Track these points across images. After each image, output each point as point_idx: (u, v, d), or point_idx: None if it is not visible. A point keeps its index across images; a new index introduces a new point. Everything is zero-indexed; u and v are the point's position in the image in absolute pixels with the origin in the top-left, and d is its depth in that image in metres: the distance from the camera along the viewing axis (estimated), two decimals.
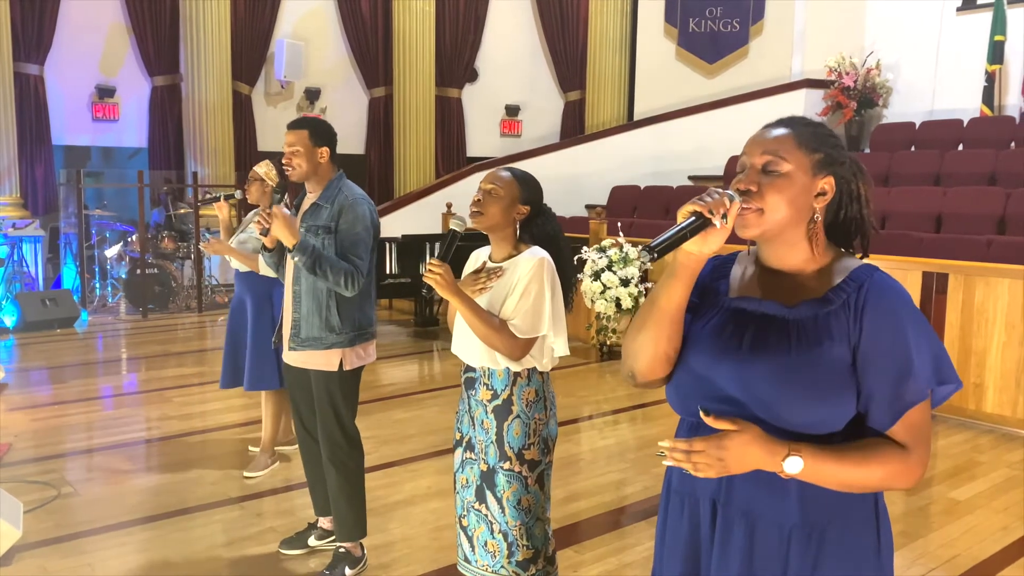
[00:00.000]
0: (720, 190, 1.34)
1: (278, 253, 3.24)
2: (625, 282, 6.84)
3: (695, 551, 1.48)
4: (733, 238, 1.39)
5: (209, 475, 4.28)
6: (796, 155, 1.40)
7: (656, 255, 1.29)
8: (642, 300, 6.95)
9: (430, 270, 2.31)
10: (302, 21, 11.33)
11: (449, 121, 12.10)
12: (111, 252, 9.65)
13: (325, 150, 3.11)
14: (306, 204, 3.17)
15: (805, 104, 10.17)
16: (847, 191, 1.46)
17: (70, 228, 9.98)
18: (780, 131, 1.43)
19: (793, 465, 1.29)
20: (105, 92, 10.35)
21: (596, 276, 6.88)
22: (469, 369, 2.49)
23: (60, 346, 7.51)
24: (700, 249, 1.34)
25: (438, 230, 9.05)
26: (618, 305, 6.87)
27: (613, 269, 6.86)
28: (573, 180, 10.61)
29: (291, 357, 3.18)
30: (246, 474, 4.25)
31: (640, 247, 1.32)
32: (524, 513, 2.40)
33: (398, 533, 3.62)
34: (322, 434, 3.16)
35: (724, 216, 1.31)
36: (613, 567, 3.33)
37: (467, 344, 2.44)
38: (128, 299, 9.26)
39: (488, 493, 2.42)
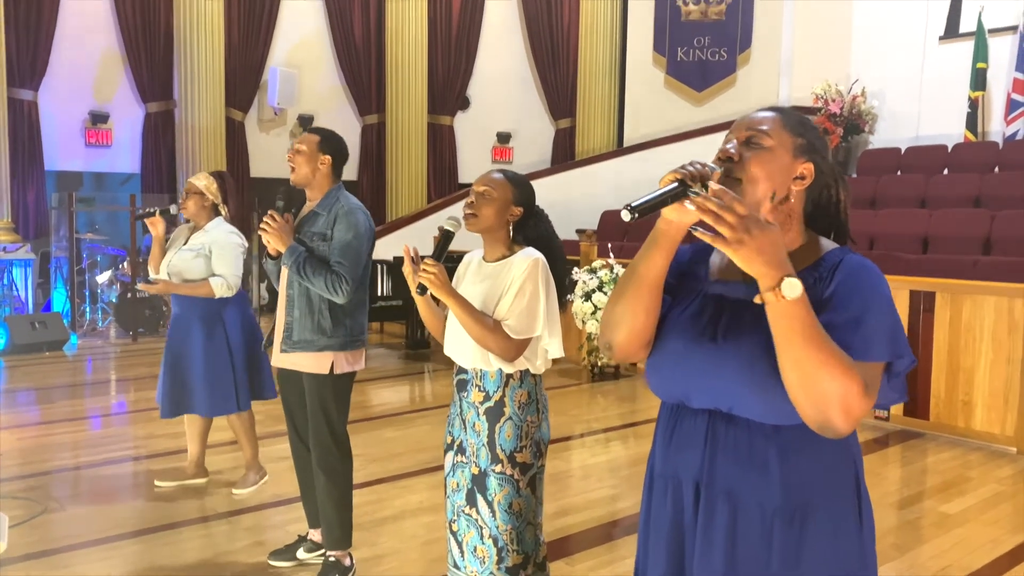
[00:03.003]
0: (701, 161, 1.34)
1: (279, 262, 3.24)
2: None
3: (679, 534, 1.47)
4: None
5: (196, 492, 4.24)
6: (780, 134, 1.43)
7: (636, 215, 1.27)
8: None
9: (424, 269, 2.31)
10: (296, 49, 11.45)
11: (441, 148, 12.19)
12: (102, 278, 9.63)
13: (327, 159, 3.14)
14: (304, 211, 3.21)
15: None
16: (826, 195, 1.49)
17: (61, 252, 9.97)
18: (767, 113, 1.47)
19: (793, 288, 1.22)
20: (99, 118, 10.39)
21: (587, 297, 6.91)
22: (461, 371, 2.48)
23: (49, 368, 7.47)
24: (680, 217, 1.34)
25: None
26: None
27: (604, 290, 6.89)
28: (564, 205, 10.66)
29: (282, 359, 3.18)
30: (235, 491, 4.22)
31: (625, 205, 1.31)
32: (515, 517, 2.38)
33: (388, 547, 3.60)
34: (313, 439, 3.16)
35: (704, 186, 1.28)
36: None
37: (460, 345, 2.44)
38: (118, 323, 9.24)
39: (479, 497, 2.40)
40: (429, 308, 2.52)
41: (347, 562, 3.22)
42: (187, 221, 4.23)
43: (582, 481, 4.61)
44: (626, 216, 1.28)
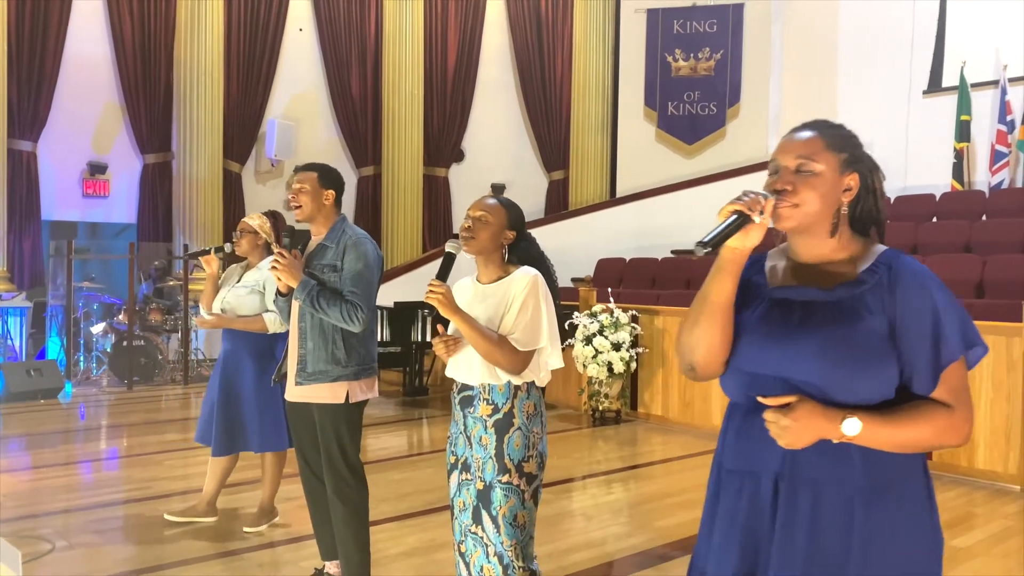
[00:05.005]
0: (754, 191, 1.48)
1: (289, 298, 3.27)
2: (617, 346, 6.92)
3: (754, 528, 1.52)
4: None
5: (206, 531, 4.20)
6: (826, 156, 1.54)
7: (709, 249, 1.44)
8: (633, 365, 7.03)
9: (431, 290, 2.41)
10: (293, 102, 11.64)
11: (436, 199, 12.35)
12: (97, 328, 9.59)
13: (331, 193, 3.22)
14: (312, 245, 3.27)
15: None
16: (866, 186, 1.59)
17: (57, 300, 9.95)
18: (808, 134, 1.57)
19: (851, 427, 1.40)
20: (97, 169, 10.49)
21: (588, 341, 6.96)
22: (464, 388, 2.54)
23: (45, 415, 7.39)
24: (743, 243, 1.48)
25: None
26: (610, 369, 6.94)
27: (604, 334, 6.95)
28: (559, 253, 10.69)
29: (295, 392, 3.20)
30: (246, 529, 4.19)
31: (696, 242, 1.46)
32: (519, 531, 2.43)
33: None
34: (327, 469, 3.16)
35: (762, 212, 1.45)
36: None
37: (465, 363, 2.51)
38: (113, 371, 9.18)
39: (484, 512, 2.44)
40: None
41: None
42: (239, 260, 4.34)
43: (585, 522, 4.59)
44: (700, 252, 1.45)
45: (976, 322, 5.12)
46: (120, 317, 9.43)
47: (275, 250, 4.19)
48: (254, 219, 4.24)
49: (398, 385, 9.14)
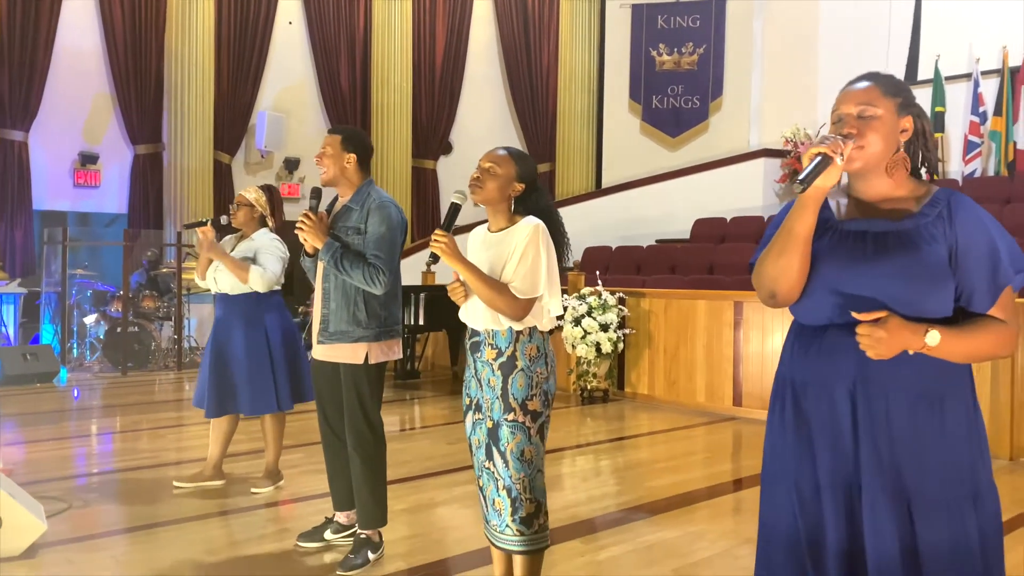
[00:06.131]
0: (832, 135, 1.70)
1: (315, 259, 3.42)
2: (604, 327, 7.13)
3: (841, 429, 1.73)
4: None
5: (215, 492, 4.36)
6: (883, 101, 1.75)
7: (805, 187, 1.66)
8: (620, 345, 7.24)
9: (435, 240, 2.55)
10: (283, 94, 11.77)
11: (424, 190, 12.52)
12: (89, 319, 9.68)
13: (352, 157, 3.37)
14: (337, 208, 3.42)
15: (764, 172, 10.78)
16: (919, 129, 1.81)
17: (51, 288, 10.02)
18: (865, 84, 1.78)
19: (933, 338, 1.61)
20: (88, 159, 10.56)
21: (576, 322, 7.17)
22: (474, 334, 2.69)
23: (43, 397, 7.51)
24: (824, 183, 1.68)
25: (418, 281, 9.31)
26: (598, 350, 7.15)
27: (593, 315, 7.16)
28: None
29: (319, 351, 3.37)
30: (254, 489, 4.36)
31: (795, 179, 1.69)
32: (527, 465, 2.59)
33: (409, 532, 3.77)
34: (348, 425, 3.32)
35: (842, 155, 1.66)
36: (619, 552, 3.52)
37: (472, 310, 2.66)
38: (107, 357, 9.28)
39: (494, 449, 2.61)
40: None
41: (377, 539, 3.38)
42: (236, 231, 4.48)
43: (582, 482, 4.81)
44: (798, 189, 1.67)
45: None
46: (113, 305, 9.53)
47: (269, 223, 4.39)
48: (250, 192, 4.38)
49: (390, 370, 9.32)
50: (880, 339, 1.61)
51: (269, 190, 4.47)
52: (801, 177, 1.65)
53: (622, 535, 3.77)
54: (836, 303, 1.72)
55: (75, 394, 7.81)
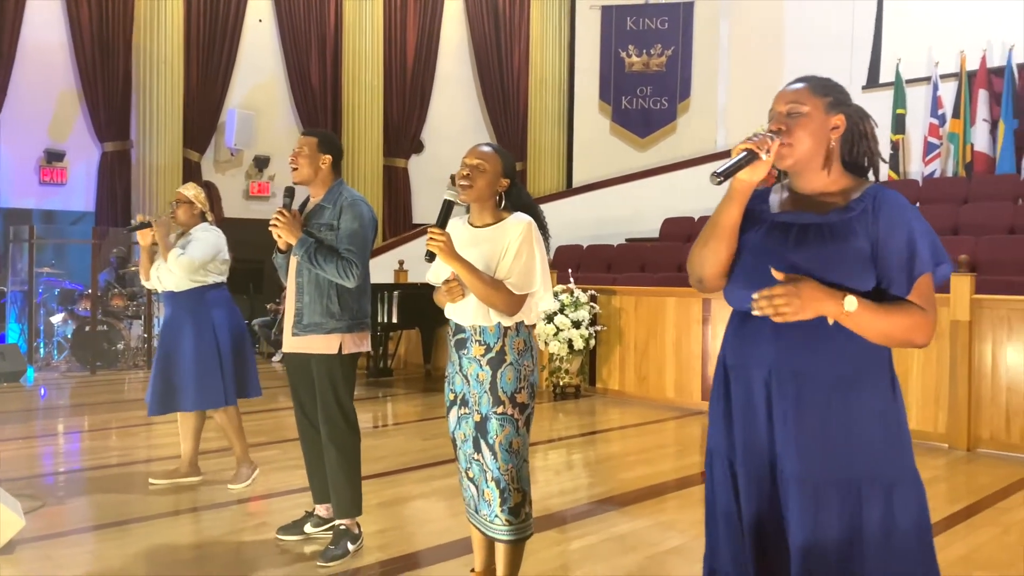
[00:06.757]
0: (761, 132, 1.78)
1: (288, 255, 3.49)
2: (577, 324, 7.24)
3: (752, 410, 1.83)
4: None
5: (191, 488, 4.38)
6: (812, 100, 1.83)
7: (722, 179, 1.73)
8: (592, 342, 7.35)
9: (432, 237, 2.57)
10: (253, 92, 11.72)
11: (396, 189, 12.54)
12: (56, 318, 9.58)
13: (328, 158, 3.45)
14: (310, 206, 3.49)
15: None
16: (857, 131, 1.89)
17: (16, 286, 9.90)
18: (797, 85, 1.88)
19: (851, 303, 1.66)
20: (54, 156, 10.44)
21: (549, 319, 7.26)
22: (460, 330, 2.73)
23: (10, 396, 7.42)
24: (750, 177, 1.77)
25: (390, 281, 9.33)
26: (570, 346, 7.25)
27: (565, 312, 7.26)
28: None
29: (293, 343, 3.43)
30: (230, 486, 4.38)
31: (712, 172, 1.72)
32: (515, 456, 2.66)
33: (386, 524, 3.83)
34: (322, 416, 3.39)
35: (767, 151, 1.75)
36: (593, 542, 3.62)
37: (461, 306, 2.70)
38: (75, 356, 9.19)
39: (482, 442, 2.67)
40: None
41: (356, 530, 3.44)
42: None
43: (555, 475, 4.89)
44: (714, 181, 1.73)
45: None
46: (81, 304, 9.44)
47: (209, 218, 4.42)
48: (189, 189, 4.41)
49: (362, 368, 9.34)
50: (792, 299, 1.64)
51: (207, 187, 4.51)
52: (719, 170, 1.72)
53: (595, 526, 3.86)
54: (753, 291, 1.79)
55: (42, 393, 7.74)
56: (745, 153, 1.73)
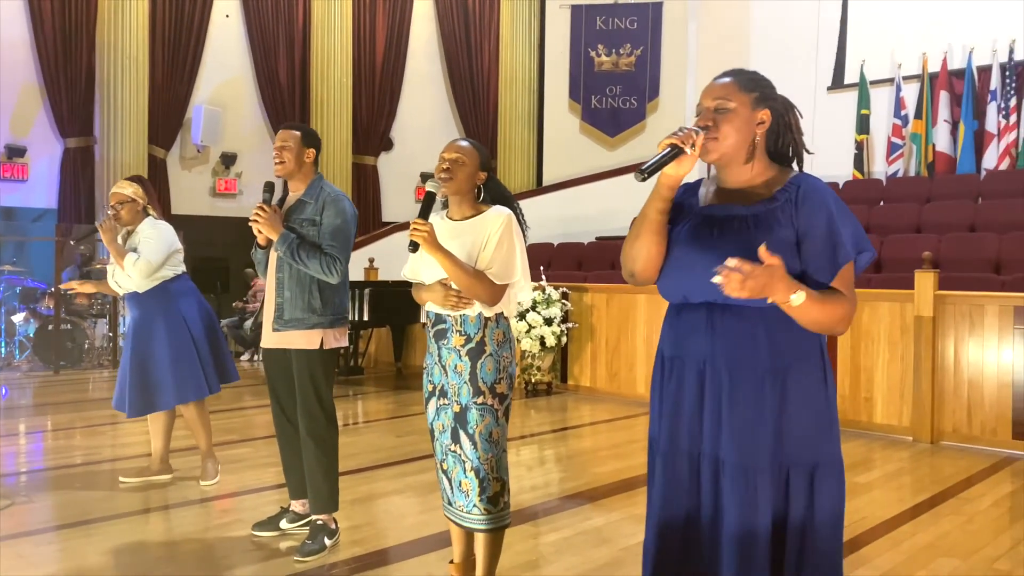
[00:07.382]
0: (686, 127, 1.79)
1: (268, 250, 3.46)
2: (548, 321, 7.27)
3: (680, 402, 1.86)
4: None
5: (162, 486, 4.33)
6: (739, 95, 1.85)
7: (646, 175, 1.74)
8: (563, 339, 7.39)
9: (416, 228, 2.57)
10: (220, 88, 11.60)
11: (365, 187, 12.48)
12: (17, 317, 9.39)
13: (312, 152, 3.44)
14: (291, 201, 3.47)
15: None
16: (783, 123, 1.92)
17: None
18: (724, 80, 1.89)
19: (799, 298, 1.67)
20: (15, 152, 10.24)
21: (521, 316, 7.28)
22: (440, 321, 2.75)
23: None
24: (676, 172, 1.79)
25: (361, 278, 9.28)
26: (542, 343, 7.28)
27: (537, 310, 7.29)
28: None
29: (272, 339, 3.41)
30: (202, 483, 4.34)
31: (637, 169, 1.75)
32: (494, 445, 2.69)
33: (362, 520, 3.82)
34: (301, 410, 3.38)
35: (693, 145, 1.76)
36: (568, 535, 3.64)
37: None
38: (37, 356, 9.03)
39: (461, 432, 2.69)
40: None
41: (332, 526, 3.44)
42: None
43: (527, 471, 4.92)
44: (638, 178, 1.74)
45: (875, 291, 5.81)
46: (44, 302, 9.27)
47: (152, 213, 4.33)
48: (126, 187, 4.28)
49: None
50: (757, 274, 1.60)
51: (142, 181, 4.40)
52: (644, 167, 1.73)
53: (569, 519, 3.89)
54: (683, 283, 1.83)
55: (3, 392, 7.59)
56: (670, 148, 1.75)
